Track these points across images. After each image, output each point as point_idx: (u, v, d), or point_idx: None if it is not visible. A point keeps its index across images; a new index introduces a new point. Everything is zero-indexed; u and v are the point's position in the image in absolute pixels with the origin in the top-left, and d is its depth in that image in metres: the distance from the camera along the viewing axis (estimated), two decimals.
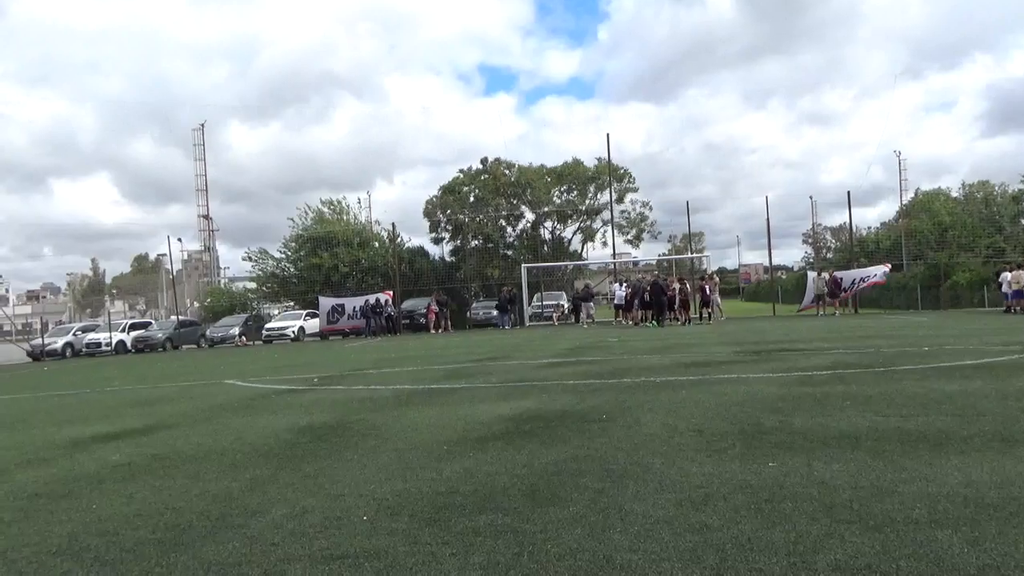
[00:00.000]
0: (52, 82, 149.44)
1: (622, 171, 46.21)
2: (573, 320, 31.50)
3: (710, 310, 27.24)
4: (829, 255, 70.55)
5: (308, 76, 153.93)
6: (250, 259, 43.11)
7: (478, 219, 43.20)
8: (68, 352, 32.66)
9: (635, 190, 46.92)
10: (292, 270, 41.45)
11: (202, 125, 63.72)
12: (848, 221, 43.40)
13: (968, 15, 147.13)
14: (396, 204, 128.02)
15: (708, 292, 26.82)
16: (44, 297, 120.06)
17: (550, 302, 35.31)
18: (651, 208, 47.49)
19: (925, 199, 60.11)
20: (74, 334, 34.89)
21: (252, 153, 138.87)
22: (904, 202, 61.91)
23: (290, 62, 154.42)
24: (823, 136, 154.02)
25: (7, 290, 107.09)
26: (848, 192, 64.91)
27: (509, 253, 42.84)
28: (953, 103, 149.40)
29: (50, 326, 40.18)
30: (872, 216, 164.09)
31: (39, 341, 33.67)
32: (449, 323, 32.41)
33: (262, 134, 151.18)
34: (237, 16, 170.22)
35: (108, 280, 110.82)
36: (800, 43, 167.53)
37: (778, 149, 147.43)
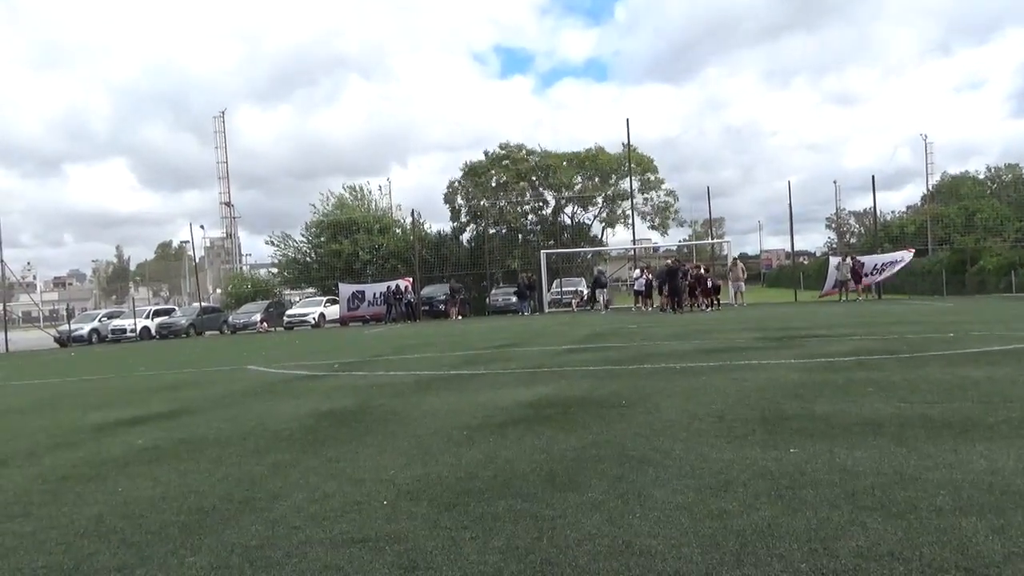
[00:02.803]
0: (62, 66, 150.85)
1: (648, 160, 45.73)
2: (591, 307, 31.41)
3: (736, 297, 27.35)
4: (853, 240, 69.77)
5: (319, 59, 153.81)
6: (272, 243, 43.50)
7: (499, 205, 43.05)
8: (94, 338, 33.21)
9: (661, 182, 46.48)
10: (312, 256, 41.70)
11: (222, 113, 64.20)
12: (872, 206, 42.67)
13: None
14: (412, 190, 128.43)
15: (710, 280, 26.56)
16: (70, 284, 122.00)
17: (569, 288, 35.19)
18: (676, 198, 47.15)
19: (952, 183, 59.10)
20: (99, 320, 35.49)
21: (266, 139, 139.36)
22: (930, 185, 61.02)
23: (301, 45, 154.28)
24: (848, 117, 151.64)
25: (34, 277, 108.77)
26: (872, 176, 64.30)
27: (529, 238, 42.66)
28: (983, 82, 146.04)
29: (76, 312, 40.82)
30: (897, 200, 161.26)
31: (66, 327, 34.24)
32: (458, 310, 32.22)
33: (275, 120, 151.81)
34: None
35: (132, 267, 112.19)
36: (825, 19, 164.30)
37: (801, 131, 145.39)
